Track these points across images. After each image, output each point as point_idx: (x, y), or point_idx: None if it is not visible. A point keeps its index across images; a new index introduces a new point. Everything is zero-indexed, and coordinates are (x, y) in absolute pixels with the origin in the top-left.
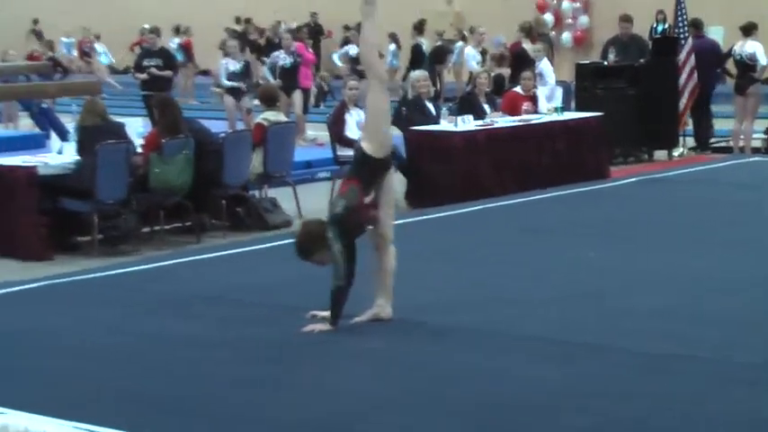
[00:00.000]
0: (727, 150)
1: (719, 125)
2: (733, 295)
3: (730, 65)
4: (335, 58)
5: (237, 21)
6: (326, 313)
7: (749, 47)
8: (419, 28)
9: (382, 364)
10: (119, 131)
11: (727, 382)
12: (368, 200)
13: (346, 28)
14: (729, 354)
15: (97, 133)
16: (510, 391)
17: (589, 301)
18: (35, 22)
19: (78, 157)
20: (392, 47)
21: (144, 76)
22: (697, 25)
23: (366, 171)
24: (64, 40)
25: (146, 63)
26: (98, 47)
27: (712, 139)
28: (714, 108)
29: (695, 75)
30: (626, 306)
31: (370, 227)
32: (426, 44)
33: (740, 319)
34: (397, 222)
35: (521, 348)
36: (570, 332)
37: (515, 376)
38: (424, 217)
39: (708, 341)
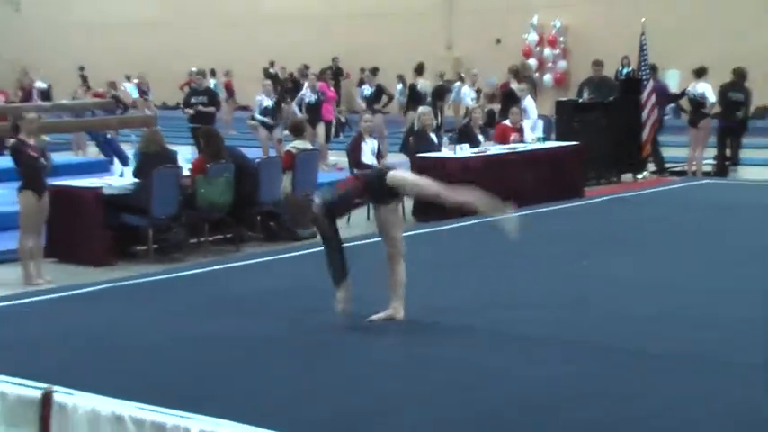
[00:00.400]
0: (683, 174)
1: (676, 153)
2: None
3: (684, 102)
4: (358, 98)
5: (271, 65)
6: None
7: (700, 87)
8: (419, 70)
9: (397, 362)
10: (173, 158)
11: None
12: (357, 200)
13: (362, 70)
14: (722, 352)
15: (155, 159)
16: (512, 389)
17: (579, 304)
18: (81, 68)
19: (136, 180)
20: (399, 86)
21: (191, 111)
22: (653, 69)
23: (377, 190)
24: (126, 84)
25: (193, 100)
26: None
27: (671, 165)
28: (671, 138)
29: (656, 110)
30: (612, 308)
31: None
32: (422, 84)
33: (721, 321)
34: (403, 234)
35: (521, 348)
36: (567, 333)
37: (516, 376)
38: (429, 230)
39: (703, 341)
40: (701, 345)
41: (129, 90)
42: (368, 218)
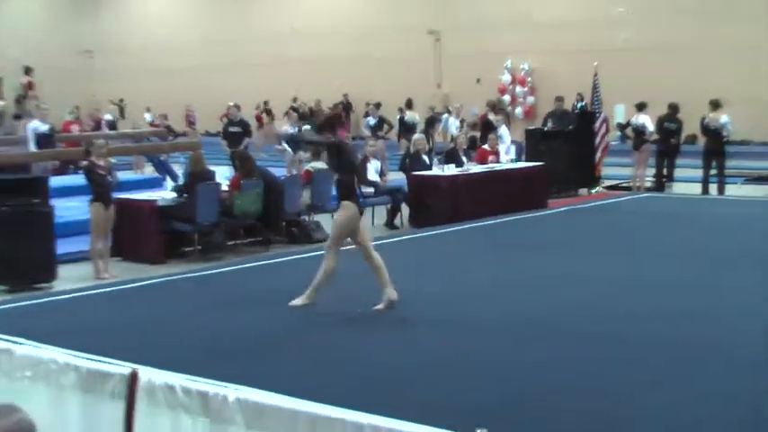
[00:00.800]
0: (628, 189)
1: (623, 172)
2: (655, 291)
3: (629, 131)
4: (364, 127)
5: (294, 100)
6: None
7: (641, 119)
8: (408, 105)
9: (395, 344)
10: (212, 176)
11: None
12: None
13: (367, 104)
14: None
15: (198, 177)
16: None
17: (545, 293)
18: (121, 100)
19: (176, 194)
20: (398, 117)
21: (226, 141)
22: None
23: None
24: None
25: (230, 129)
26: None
27: (619, 181)
28: (618, 160)
29: (606, 137)
30: (573, 294)
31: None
32: (410, 115)
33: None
34: (401, 238)
35: (504, 332)
36: (539, 318)
37: (494, 351)
38: (422, 234)
39: (635, 323)
40: (633, 324)
41: (148, 119)
42: (372, 224)
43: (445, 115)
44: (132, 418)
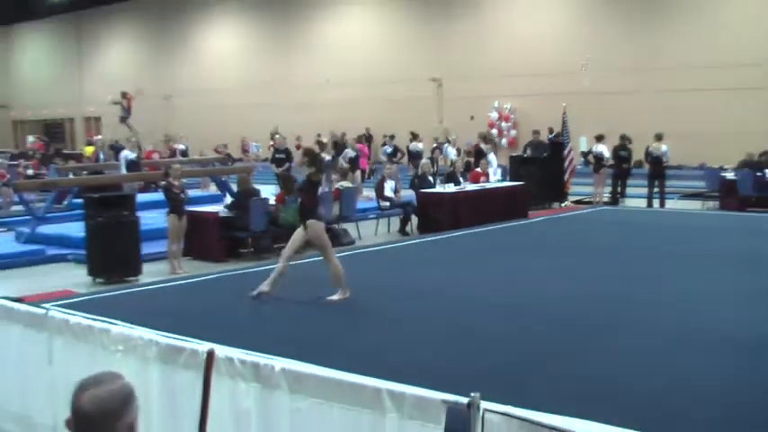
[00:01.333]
0: (590, 203)
1: (586, 189)
2: (609, 280)
3: (590, 157)
4: (381, 154)
5: (318, 135)
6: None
7: (600, 148)
8: (414, 137)
9: (407, 321)
10: (257, 193)
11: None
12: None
13: (384, 136)
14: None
15: (246, 194)
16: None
17: (530, 286)
18: (166, 135)
19: (235, 208)
20: (407, 146)
21: (275, 165)
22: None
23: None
24: (253, 143)
25: (277, 156)
26: (253, 145)
27: (582, 197)
28: (582, 180)
29: (573, 162)
30: (547, 283)
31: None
32: (414, 145)
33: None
34: (412, 242)
35: (486, 312)
36: (522, 301)
37: (485, 328)
38: (428, 239)
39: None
40: (604, 315)
41: (182, 146)
42: (388, 230)
43: (446, 145)
44: (209, 387)
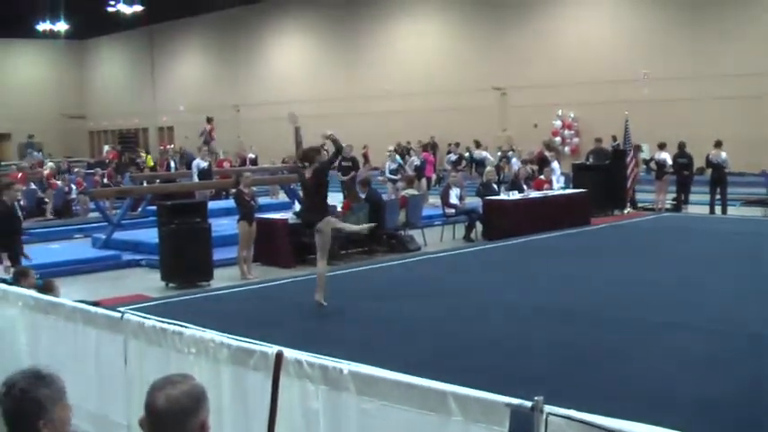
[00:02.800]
0: (652, 210)
1: (648, 196)
2: (677, 283)
3: (652, 164)
4: (446, 162)
5: (408, 143)
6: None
7: (663, 155)
8: (477, 144)
9: (469, 323)
10: None
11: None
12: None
13: (449, 144)
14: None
15: None
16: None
17: (587, 287)
18: (244, 146)
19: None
20: (466, 154)
21: (341, 173)
22: (637, 147)
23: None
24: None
25: (343, 164)
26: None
27: (645, 204)
28: (646, 187)
29: (636, 170)
30: (609, 287)
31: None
32: (477, 153)
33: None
34: (477, 248)
35: (545, 315)
36: (583, 309)
37: (546, 332)
38: (493, 245)
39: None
40: (650, 311)
41: (252, 154)
42: (453, 237)
43: (510, 153)
44: (278, 388)
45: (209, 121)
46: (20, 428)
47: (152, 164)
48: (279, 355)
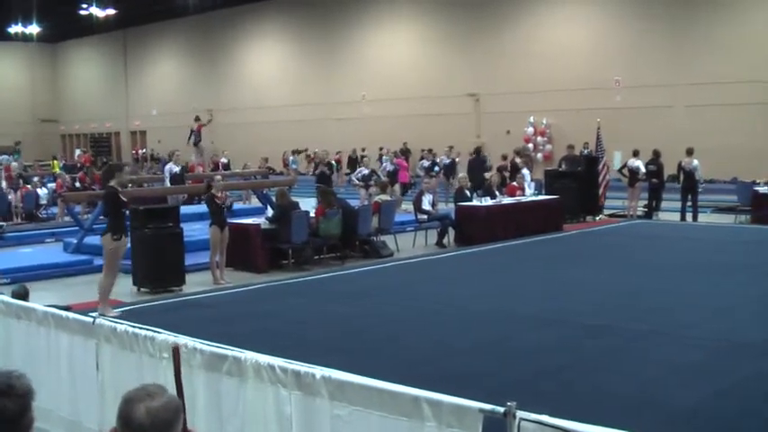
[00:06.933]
0: (624, 216)
1: (620, 203)
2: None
3: (625, 171)
4: (418, 168)
5: (363, 150)
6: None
7: (635, 162)
8: (450, 150)
9: (443, 331)
10: (297, 206)
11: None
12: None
13: (422, 150)
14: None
15: (285, 208)
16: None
17: (560, 293)
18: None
19: (278, 221)
20: (439, 159)
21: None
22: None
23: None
24: (290, 157)
25: (318, 170)
26: (291, 159)
27: (616, 210)
28: (618, 194)
29: (607, 177)
30: (579, 294)
31: None
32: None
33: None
34: (449, 254)
35: (520, 322)
36: (554, 312)
37: (521, 338)
38: (465, 251)
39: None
40: (622, 318)
41: (224, 159)
42: (425, 243)
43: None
44: (180, 381)
45: (197, 120)
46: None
47: (58, 170)
48: (176, 349)
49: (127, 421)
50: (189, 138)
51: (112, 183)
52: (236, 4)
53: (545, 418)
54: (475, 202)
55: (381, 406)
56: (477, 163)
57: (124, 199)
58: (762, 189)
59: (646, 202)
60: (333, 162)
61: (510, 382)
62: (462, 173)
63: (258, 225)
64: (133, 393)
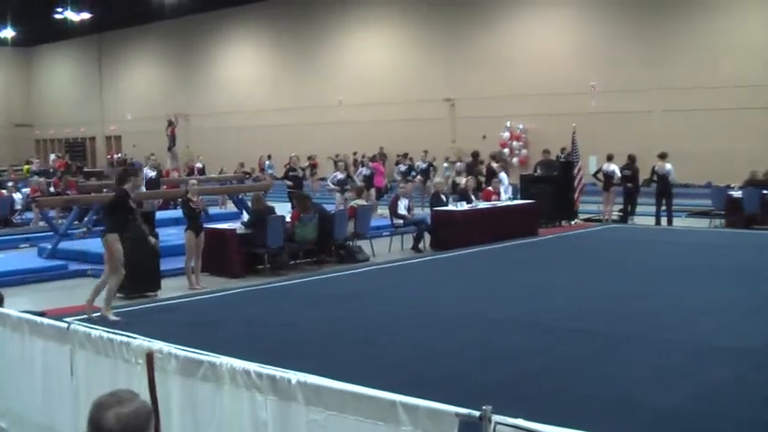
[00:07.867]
0: (599, 221)
1: (595, 207)
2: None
3: (600, 175)
4: (395, 173)
5: (336, 155)
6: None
7: (610, 166)
8: (424, 154)
9: (419, 336)
10: (272, 211)
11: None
12: None
13: (398, 155)
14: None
15: (261, 213)
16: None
17: (537, 297)
18: (192, 156)
19: (254, 225)
20: (416, 164)
21: (290, 182)
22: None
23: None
24: (267, 162)
25: (291, 174)
26: (267, 163)
27: (592, 215)
28: (593, 198)
29: (583, 181)
30: (555, 298)
31: None
32: (419, 164)
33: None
34: (425, 258)
35: (497, 326)
36: (530, 315)
37: (499, 342)
38: (441, 255)
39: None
40: (600, 322)
41: (199, 164)
42: (401, 247)
43: (458, 164)
44: (154, 387)
45: (170, 124)
46: None
47: (27, 174)
48: (149, 356)
49: (97, 427)
50: (168, 144)
51: (126, 186)
52: (212, 9)
53: (520, 421)
54: (451, 207)
55: (357, 410)
56: (476, 166)
57: (133, 205)
58: (735, 193)
59: (621, 207)
60: (301, 167)
61: (489, 386)
62: (439, 177)
63: (234, 230)
64: (104, 399)
